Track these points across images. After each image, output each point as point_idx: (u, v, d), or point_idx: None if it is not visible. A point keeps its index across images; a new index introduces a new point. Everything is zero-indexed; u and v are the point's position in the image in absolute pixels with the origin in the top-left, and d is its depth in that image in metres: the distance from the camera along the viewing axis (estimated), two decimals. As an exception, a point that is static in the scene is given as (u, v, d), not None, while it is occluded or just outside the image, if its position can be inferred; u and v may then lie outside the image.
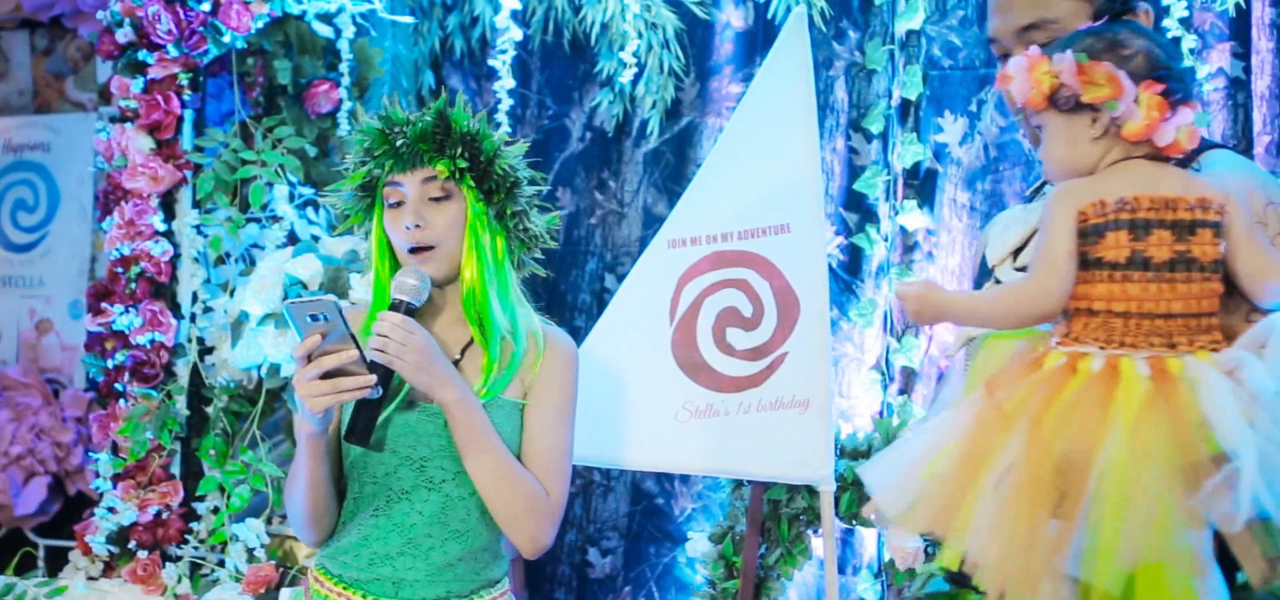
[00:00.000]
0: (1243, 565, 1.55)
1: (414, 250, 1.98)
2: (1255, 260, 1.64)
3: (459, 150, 1.98)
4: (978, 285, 2.03)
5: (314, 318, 1.83)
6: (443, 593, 2.00)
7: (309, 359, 1.85)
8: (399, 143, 1.97)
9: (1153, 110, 1.63)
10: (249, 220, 3.17)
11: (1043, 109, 1.69)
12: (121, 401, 3.13)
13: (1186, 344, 1.61)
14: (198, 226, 3.16)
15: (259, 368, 3.02)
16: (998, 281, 1.91)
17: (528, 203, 2.07)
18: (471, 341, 2.04)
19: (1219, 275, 1.64)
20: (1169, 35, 2.83)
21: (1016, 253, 1.92)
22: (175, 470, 3.16)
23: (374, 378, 1.87)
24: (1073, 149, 1.68)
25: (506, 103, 3.44)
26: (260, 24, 3.13)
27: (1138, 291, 1.61)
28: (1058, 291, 1.64)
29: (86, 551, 3.13)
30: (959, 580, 1.82)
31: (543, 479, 2.01)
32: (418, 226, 1.97)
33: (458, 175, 1.98)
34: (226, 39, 3.12)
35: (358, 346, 1.86)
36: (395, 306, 1.93)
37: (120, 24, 3.13)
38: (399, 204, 1.99)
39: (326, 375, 1.85)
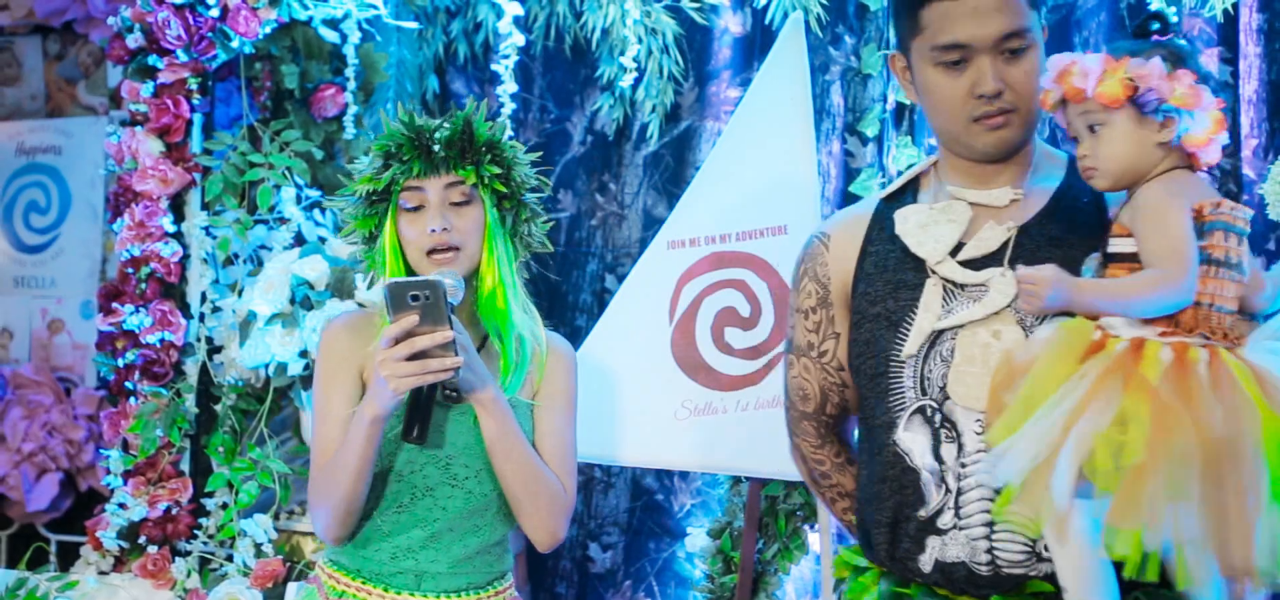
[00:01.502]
0: None
1: (434, 252, 2.01)
2: None
3: (484, 157, 2.03)
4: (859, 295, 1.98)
5: (414, 299, 1.83)
6: (462, 584, 2.05)
7: (396, 341, 1.86)
8: (433, 147, 2.00)
9: (1216, 126, 1.75)
10: (257, 222, 3.20)
11: (1118, 108, 1.74)
12: (132, 399, 3.17)
13: (1228, 337, 1.72)
14: (206, 228, 3.19)
15: (266, 366, 3.05)
16: (953, 281, 1.88)
17: (534, 209, 2.12)
18: (484, 344, 2.08)
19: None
20: (1158, 40, 2.85)
21: (954, 251, 1.89)
22: (184, 467, 3.20)
23: (460, 359, 1.88)
24: (1138, 151, 1.75)
25: (509, 107, 3.45)
26: (268, 29, 3.17)
27: (1234, 289, 1.72)
28: (1194, 285, 1.70)
29: (97, 546, 3.17)
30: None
31: (557, 475, 2.06)
32: (444, 229, 2.00)
33: (482, 181, 2.03)
34: (234, 44, 3.16)
35: (452, 326, 1.87)
36: None
37: (131, 29, 3.16)
38: (418, 208, 2.02)
39: (413, 357, 1.86)
